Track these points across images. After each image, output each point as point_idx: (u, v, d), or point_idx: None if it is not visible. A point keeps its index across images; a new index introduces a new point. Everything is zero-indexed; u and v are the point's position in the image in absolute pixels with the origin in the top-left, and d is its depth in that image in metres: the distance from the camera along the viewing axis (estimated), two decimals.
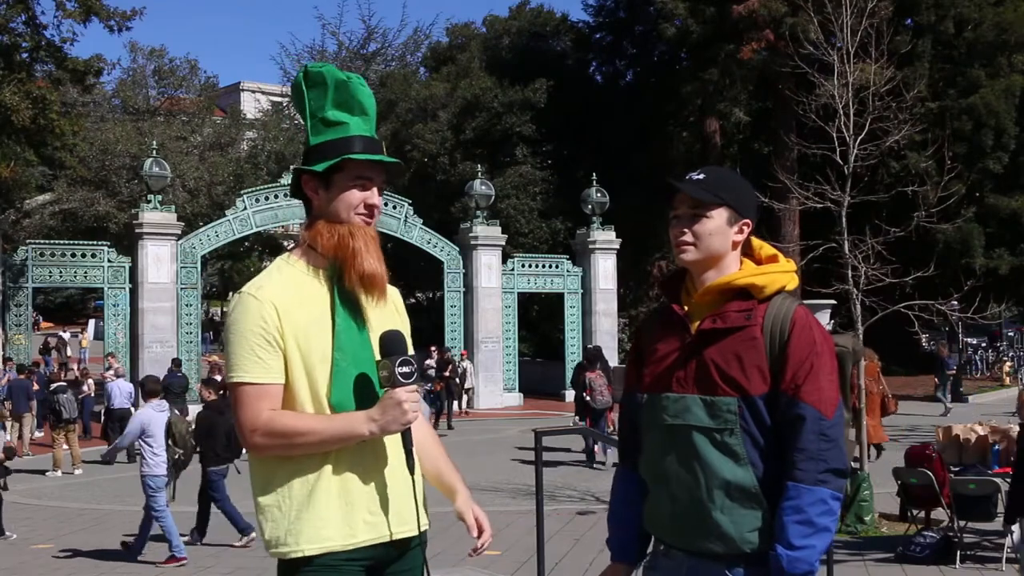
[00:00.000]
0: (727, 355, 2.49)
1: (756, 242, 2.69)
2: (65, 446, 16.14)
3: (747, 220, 2.60)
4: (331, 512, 2.47)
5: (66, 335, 34.79)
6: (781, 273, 2.59)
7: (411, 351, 2.59)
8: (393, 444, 2.56)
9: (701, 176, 2.60)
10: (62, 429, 16.13)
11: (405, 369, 2.47)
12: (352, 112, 2.57)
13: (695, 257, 2.57)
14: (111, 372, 19.62)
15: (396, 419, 2.45)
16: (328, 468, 2.48)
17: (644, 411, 2.63)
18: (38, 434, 19.21)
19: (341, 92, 2.57)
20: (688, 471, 2.50)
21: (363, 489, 2.51)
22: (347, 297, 2.55)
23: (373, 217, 2.60)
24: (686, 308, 2.61)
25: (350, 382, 2.51)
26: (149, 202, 22.23)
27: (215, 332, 41.62)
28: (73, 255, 22.08)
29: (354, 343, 2.53)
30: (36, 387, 18.71)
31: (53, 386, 16.80)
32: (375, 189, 2.58)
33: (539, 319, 32.48)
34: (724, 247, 2.58)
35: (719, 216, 2.56)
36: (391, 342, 2.53)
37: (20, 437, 18.02)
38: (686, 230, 2.57)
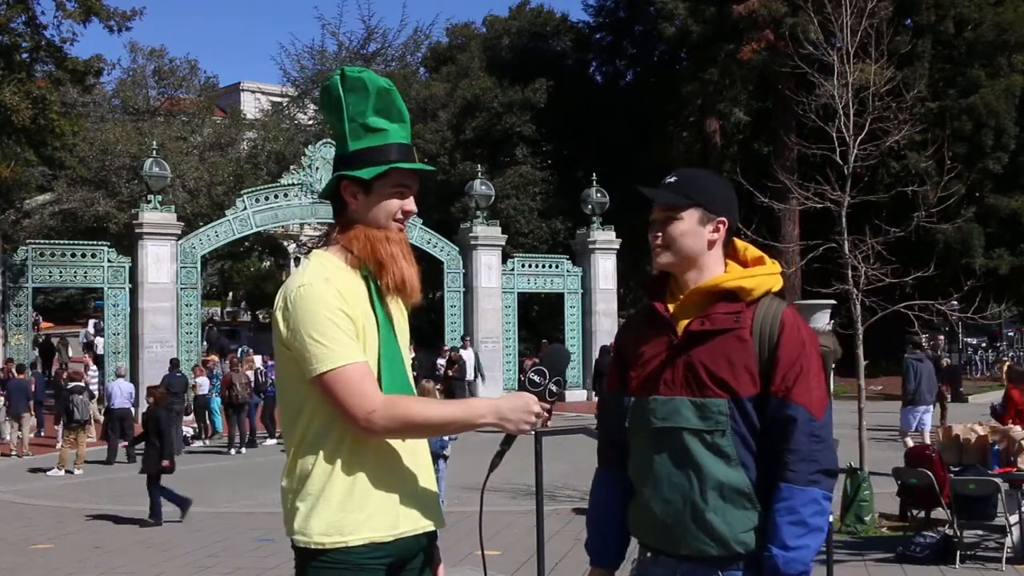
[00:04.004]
0: (716, 356, 2.48)
1: (740, 244, 2.69)
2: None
3: (722, 219, 2.59)
4: (374, 504, 2.49)
5: (99, 340, 34.12)
6: (768, 276, 2.60)
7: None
8: (423, 441, 2.65)
9: (672, 179, 2.63)
10: (74, 429, 16.13)
11: (554, 388, 2.56)
12: (392, 119, 2.61)
13: (669, 260, 2.60)
14: (92, 373, 19.65)
15: (518, 422, 2.51)
16: (369, 460, 2.50)
17: (630, 414, 2.61)
18: (34, 435, 19.22)
19: (383, 99, 2.59)
20: (680, 473, 2.49)
21: (400, 483, 2.54)
22: (380, 296, 2.60)
23: (405, 222, 2.66)
24: (671, 309, 2.61)
25: (394, 376, 2.55)
26: (149, 202, 22.22)
27: (225, 333, 41.50)
28: (73, 255, 22.08)
29: (389, 340, 2.59)
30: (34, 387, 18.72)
31: (70, 385, 16.82)
32: (411, 197, 2.64)
33: (539, 319, 32.50)
34: (699, 247, 2.58)
35: (690, 217, 2.57)
36: (560, 357, 2.64)
37: (20, 437, 18.04)
38: (659, 233, 2.60)
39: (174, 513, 11.08)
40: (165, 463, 11.21)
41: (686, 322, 2.55)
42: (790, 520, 2.39)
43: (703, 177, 2.67)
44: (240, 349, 28.71)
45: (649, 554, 2.61)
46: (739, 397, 2.45)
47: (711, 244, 2.59)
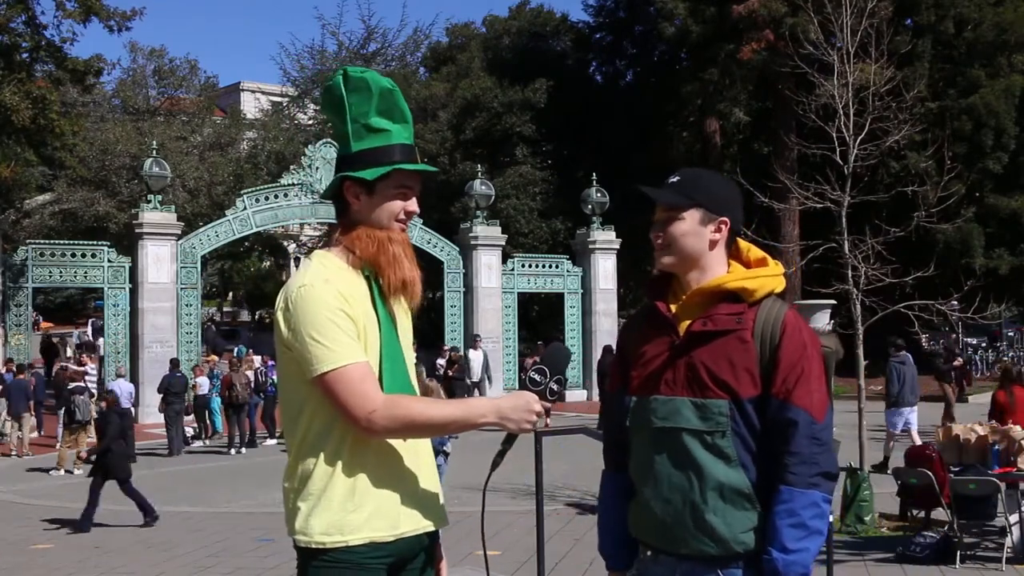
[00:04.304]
0: (717, 357, 2.48)
1: (744, 244, 2.69)
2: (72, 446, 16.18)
3: (724, 219, 2.59)
4: (375, 504, 2.50)
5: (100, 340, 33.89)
6: (770, 277, 2.59)
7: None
8: (425, 441, 2.66)
9: (675, 180, 2.63)
10: (75, 430, 16.14)
11: (555, 387, 2.58)
12: (394, 120, 2.62)
13: (671, 261, 2.60)
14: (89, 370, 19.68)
15: (519, 421, 2.52)
16: (371, 461, 2.51)
17: (631, 414, 2.62)
18: (35, 434, 19.21)
19: (386, 100, 2.60)
20: (680, 473, 2.49)
21: (401, 483, 2.55)
22: (382, 296, 2.61)
23: (407, 223, 2.67)
24: (673, 309, 2.60)
25: (395, 377, 2.56)
26: (149, 202, 22.23)
27: (225, 333, 41.51)
28: (73, 255, 22.08)
29: (391, 339, 2.59)
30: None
31: (71, 385, 16.82)
32: (414, 197, 2.65)
33: (539, 319, 32.49)
34: (700, 247, 2.57)
35: (691, 217, 2.57)
36: (560, 356, 2.64)
37: (20, 437, 18.04)
38: (660, 234, 2.60)
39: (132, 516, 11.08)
40: (82, 455, 11.16)
41: (688, 322, 2.55)
42: (790, 523, 2.39)
43: (705, 177, 2.67)
44: (236, 349, 28.70)
45: (649, 553, 2.61)
46: (740, 399, 2.45)
47: (713, 244, 2.59)
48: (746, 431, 2.46)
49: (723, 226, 2.59)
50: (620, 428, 2.68)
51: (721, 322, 2.50)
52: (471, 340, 24.38)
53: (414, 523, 2.55)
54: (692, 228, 2.57)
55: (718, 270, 2.59)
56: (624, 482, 2.69)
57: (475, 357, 22.50)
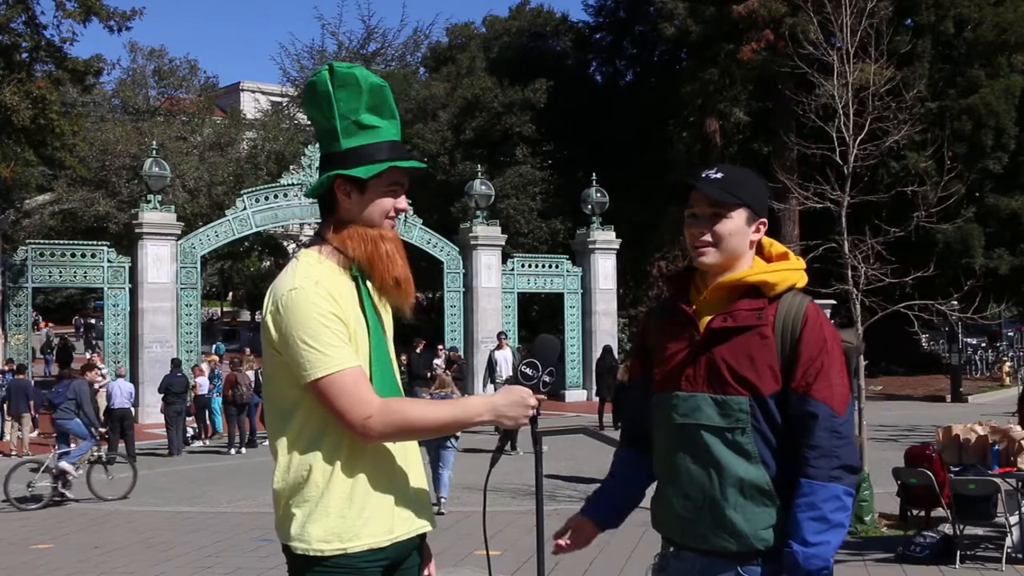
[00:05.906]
0: (738, 354, 2.47)
1: (766, 239, 2.67)
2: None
3: (763, 220, 2.59)
4: (372, 509, 2.48)
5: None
6: (791, 271, 2.58)
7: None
8: (412, 443, 2.65)
9: (719, 175, 2.55)
10: None
11: (547, 379, 2.57)
12: (383, 116, 2.58)
13: (715, 260, 2.55)
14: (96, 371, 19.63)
15: (516, 417, 2.53)
16: (366, 465, 2.49)
17: (654, 409, 2.62)
18: (34, 434, 19.21)
19: (376, 96, 2.56)
20: (700, 469, 2.50)
21: (395, 486, 2.54)
22: (370, 296, 2.57)
23: (395, 220, 2.64)
24: (694, 305, 2.59)
25: (385, 379, 2.54)
26: (149, 202, 22.23)
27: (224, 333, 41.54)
28: (73, 255, 22.08)
29: (379, 341, 2.57)
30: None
31: None
32: (403, 195, 2.62)
33: (539, 319, 32.48)
34: (743, 247, 2.56)
35: (739, 216, 2.54)
36: (550, 349, 2.62)
37: (20, 437, 18.04)
38: (706, 231, 2.54)
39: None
40: None
41: (708, 318, 2.54)
42: (811, 516, 2.39)
43: (748, 176, 2.63)
44: (214, 346, 28.60)
45: (671, 549, 2.63)
46: (761, 395, 2.45)
47: (752, 244, 2.58)
48: (767, 427, 2.46)
49: (762, 227, 2.59)
50: (634, 421, 2.70)
51: (742, 318, 2.49)
52: (470, 342, 24.28)
53: (408, 526, 2.54)
54: (738, 228, 2.54)
55: (744, 268, 2.58)
56: (633, 458, 2.73)
57: (503, 356, 22.13)
